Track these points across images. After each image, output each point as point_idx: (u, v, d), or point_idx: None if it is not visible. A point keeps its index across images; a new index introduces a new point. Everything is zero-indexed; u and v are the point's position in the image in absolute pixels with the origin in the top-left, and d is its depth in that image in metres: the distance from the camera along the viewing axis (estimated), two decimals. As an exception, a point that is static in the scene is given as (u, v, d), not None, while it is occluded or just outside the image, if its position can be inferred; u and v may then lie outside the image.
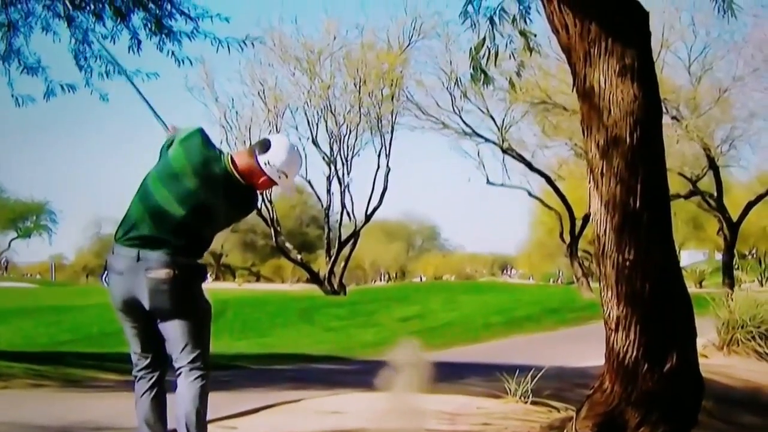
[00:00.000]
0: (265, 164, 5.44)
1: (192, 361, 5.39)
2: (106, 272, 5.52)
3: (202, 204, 5.41)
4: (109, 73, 14.05)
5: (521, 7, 9.54)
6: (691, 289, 7.99)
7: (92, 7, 13.62)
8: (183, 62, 13.88)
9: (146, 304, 5.34)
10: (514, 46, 9.84)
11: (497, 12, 9.49)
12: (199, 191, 5.38)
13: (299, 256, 53.01)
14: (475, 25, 9.61)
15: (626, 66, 6.91)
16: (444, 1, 50.07)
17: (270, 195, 45.60)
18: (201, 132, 5.51)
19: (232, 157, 5.53)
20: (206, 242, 5.65)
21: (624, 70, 6.90)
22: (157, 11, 13.67)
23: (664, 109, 27.67)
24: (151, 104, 5.91)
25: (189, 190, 5.37)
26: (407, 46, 44.54)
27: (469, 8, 9.84)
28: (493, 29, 9.31)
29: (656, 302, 6.88)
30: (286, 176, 5.56)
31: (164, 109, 5.89)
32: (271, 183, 5.60)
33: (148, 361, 5.56)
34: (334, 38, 44.84)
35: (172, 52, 13.66)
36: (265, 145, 5.48)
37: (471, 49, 9.45)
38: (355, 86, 45.17)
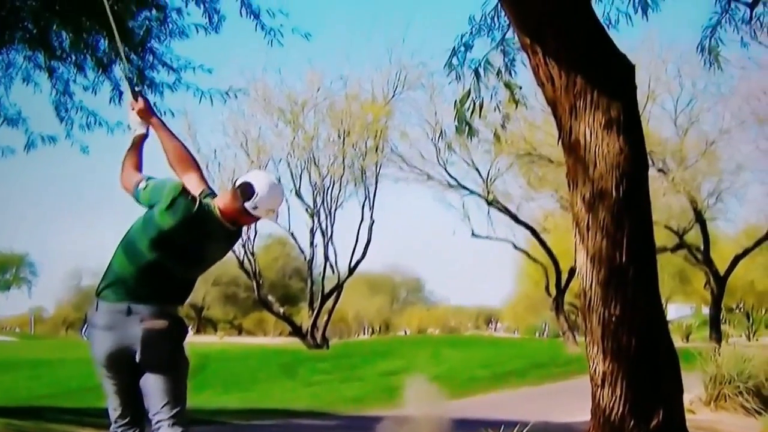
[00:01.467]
0: (254, 208, 5.49)
1: (173, 416, 5.37)
2: (86, 326, 5.51)
3: (192, 254, 5.50)
4: (90, 125, 14.09)
5: (506, 60, 9.62)
6: (678, 343, 8.01)
7: (73, 58, 13.65)
8: (165, 114, 13.85)
9: (138, 357, 5.31)
10: (499, 98, 9.91)
11: (482, 64, 9.57)
12: (190, 243, 5.44)
13: (282, 309, 52.78)
14: (460, 76, 9.68)
15: (612, 119, 6.95)
16: (429, 52, 50.25)
17: (252, 247, 45.53)
18: (183, 190, 5.52)
19: (214, 201, 5.58)
20: (192, 287, 5.74)
21: (610, 123, 6.94)
22: (139, 62, 13.70)
23: (650, 162, 27.81)
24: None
25: (180, 245, 5.42)
26: (392, 97, 44.69)
27: (454, 60, 9.93)
28: (478, 81, 9.38)
29: (642, 357, 6.88)
30: (273, 211, 5.63)
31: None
32: (256, 219, 5.68)
33: (128, 418, 5.53)
34: (318, 89, 44.95)
35: (154, 104, 13.30)
36: (248, 191, 5.50)
37: (456, 101, 9.51)
38: (339, 137, 45.23)
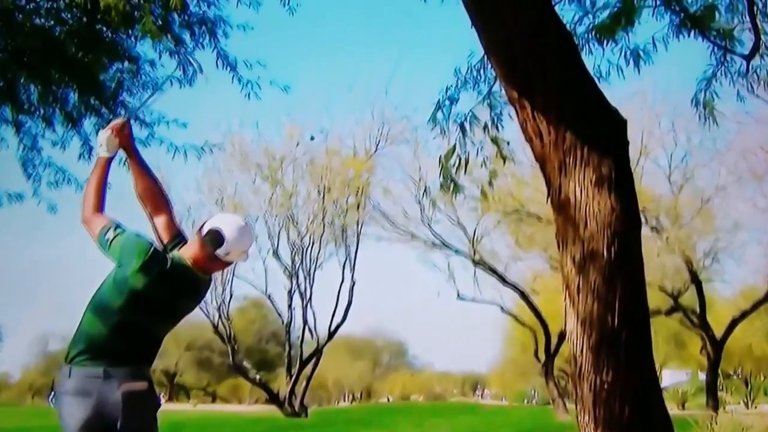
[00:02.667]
0: (226, 254, 5.52)
1: None
2: (54, 393, 5.47)
3: (167, 309, 5.58)
4: (59, 182, 14.06)
5: (493, 114, 9.68)
6: (673, 411, 7.99)
7: (42, 112, 13.65)
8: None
9: (120, 423, 5.29)
10: (485, 153, 9.96)
11: (468, 118, 9.63)
12: (164, 299, 5.51)
13: (258, 376, 52.47)
14: (445, 131, 9.74)
15: (603, 176, 6.98)
16: (412, 105, 50.67)
17: (227, 310, 45.32)
18: (154, 250, 5.51)
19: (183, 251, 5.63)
20: (160, 345, 5.75)
21: (601, 180, 6.97)
22: (111, 116, 13.70)
23: (643, 220, 27.88)
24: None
25: (154, 302, 5.47)
26: (374, 152, 44.77)
27: (439, 114, 9.98)
28: (463, 136, 9.44)
29: (636, 426, 6.85)
30: (245, 252, 5.64)
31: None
32: (229, 264, 5.78)
33: None
34: (297, 144, 45.03)
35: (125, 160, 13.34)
36: (218, 238, 5.53)
37: (441, 156, 9.55)
38: (319, 194, 45.26)
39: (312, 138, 43.68)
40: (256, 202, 45.85)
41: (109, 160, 5.94)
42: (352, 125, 47.31)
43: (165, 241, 5.85)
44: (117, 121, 6.04)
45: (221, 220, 5.67)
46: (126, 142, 5.96)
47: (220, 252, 5.51)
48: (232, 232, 5.55)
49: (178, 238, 5.84)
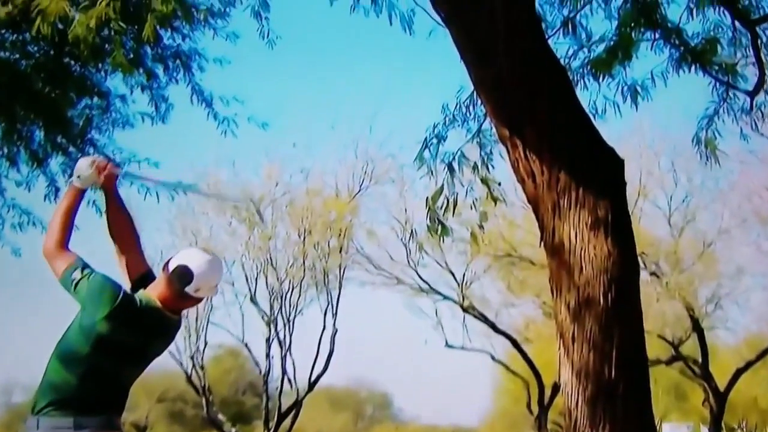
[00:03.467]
0: (196, 291, 5.50)
1: None
2: None
3: (136, 354, 5.55)
4: (23, 225, 14.02)
5: (483, 153, 9.71)
6: (675, 467, 7.95)
7: (5, 151, 13.62)
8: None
9: None
10: (475, 194, 9.97)
11: (456, 157, 9.65)
12: (134, 344, 5.48)
13: (234, 429, 52.12)
14: (432, 171, 9.75)
15: (599, 218, 6.99)
16: (398, 143, 50.43)
17: (201, 359, 45.07)
18: (122, 293, 5.49)
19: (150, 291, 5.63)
20: (128, 391, 5.71)
21: (597, 223, 6.98)
22: (79, 155, 13.65)
23: (641, 265, 27.84)
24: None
25: (124, 347, 5.44)
26: (357, 192, 44.66)
27: (426, 153, 10.01)
28: (452, 176, 9.45)
29: (636, 484, 6.83)
30: (216, 286, 5.68)
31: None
32: (200, 300, 5.81)
33: None
34: (276, 184, 44.87)
35: (94, 202, 12.95)
36: (186, 275, 5.50)
37: (428, 198, 9.55)
38: (299, 237, 45.09)
39: (294, 144, 43.57)
40: (232, 246, 45.62)
41: (83, 191, 5.90)
42: (335, 164, 47.22)
43: (133, 279, 5.82)
44: (103, 160, 5.97)
45: (187, 255, 5.65)
46: (108, 185, 5.91)
47: (189, 289, 5.48)
48: (200, 266, 5.52)
49: (146, 277, 5.82)
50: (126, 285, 5.72)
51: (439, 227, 9.58)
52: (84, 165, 5.84)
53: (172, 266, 5.53)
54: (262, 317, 46.68)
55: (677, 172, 38.89)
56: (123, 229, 5.88)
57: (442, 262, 41.61)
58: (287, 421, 48.88)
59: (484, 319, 42.35)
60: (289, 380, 48.19)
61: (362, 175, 44.60)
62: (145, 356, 5.64)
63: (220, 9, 11.71)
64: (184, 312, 5.88)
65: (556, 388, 38.64)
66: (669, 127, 42.06)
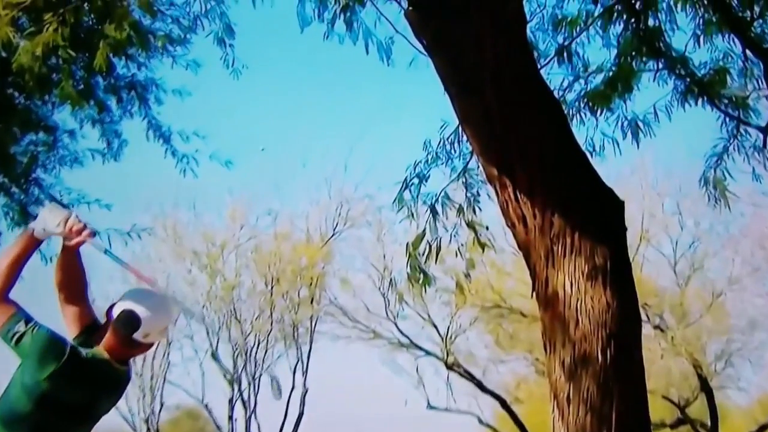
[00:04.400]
0: (145, 336, 5.48)
1: None
2: None
3: (84, 411, 5.54)
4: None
5: (469, 194, 9.74)
6: None
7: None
8: (51, 260, 13.69)
9: None
10: (460, 239, 9.98)
11: (439, 199, 9.67)
12: (81, 400, 5.47)
13: (192, 500, 51.85)
14: (413, 214, 9.75)
15: (597, 267, 7.00)
16: (376, 182, 50.37)
17: (156, 422, 44.71)
18: (69, 350, 5.47)
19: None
20: None
21: (594, 272, 6.99)
22: (22, 196, 13.63)
23: (644, 318, 27.82)
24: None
25: (69, 404, 5.44)
26: (331, 236, 44.60)
27: (406, 194, 10.03)
28: (434, 219, 9.47)
29: None
30: (167, 328, 5.65)
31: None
32: (151, 345, 5.72)
33: None
34: (240, 227, 44.89)
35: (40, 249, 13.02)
36: (132, 321, 5.48)
37: (408, 243, 9.56)
38: (266, 286, 44.99)
39: (263, 149, 43.45)
40: (192, 296, 45.44)
41: (40, 242, 5.88)
42: (306, 205, 47.10)
43: (77, 331, 5.79)
44: (77, 221, 5.83)
45: (132, 297, 5.61)
46: (74, 247, 5.84)
47: (137, 335, 5.45)
48: (147, 309, 5.49)
49: (92, 329, 5.79)
50: (70, 336, 5.69)
51: (421, 276, 9.58)
52: (53, 219, 5.71)
53: (116, 312, 5.50)
54: (225, 375, 46.48)
55: (683, 216, 38.76)
56: (74, 279, 5.86)
57: (424, 314, 41.49)
58: (253, 492, 48.64)
59: (470, 377, 42.23)
60: (255, 445, 48.05)
61: (336, 218, 44.60)
62: (92, 414, 5.62)
63: (179, 35, 11.74)
64: (137, 370, 5.89)
65: (550, 454, 38.49)
66: (674, 166, 42.06)
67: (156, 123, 12.91)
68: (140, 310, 5.48)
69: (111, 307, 5.59)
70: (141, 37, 10.14)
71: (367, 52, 9.49)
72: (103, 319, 5.70)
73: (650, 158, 36.62)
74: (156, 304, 5.58)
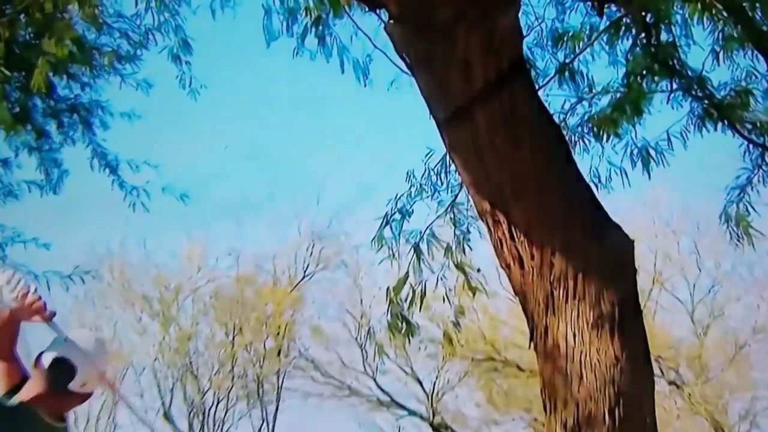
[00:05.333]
0: (82, 386, 5.46)
1: None
2: None
3: None
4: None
5: (457, 232, 9.74)
6: None
7: None
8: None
9: None
10: (448, 283, 9.98)
11: (424, 237, 9.67)
12: None
13: None
14: (394, 254, 9.75)
15: (603, 314, 7.01)
16: (351, 218, 50.46)
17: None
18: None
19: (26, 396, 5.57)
20: None
21: (600, 321, 6.99)
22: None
23: (658, 373, 27.77)
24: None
25: None
26: (301, 279, 44.66)
27: (386, 231, 10.02)
28: (419, 260, 9.47)
29: None
30: (105, 372, 5.70)
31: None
32: (90, 395, 5.71)
33: None
34: (198, 269, 44.85)
35: None
36: (67, 369, 5.46)
37: (389, 288, 9.55)
38: (227, 336, 44.93)
39: (225, 147, 43.46)
40: (142, 347, 45.37)
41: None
42: (273, 244, 47.23)
43: (7, 389, 5.79)
44: (30, 294, 5.79)
45: (62, 343, 5.59)
46: (18, 320, 5.83)
47: (73, 385, 5.45)
48: (81, 354, 5.49)
49: (20, 386, 5.78)
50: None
51: (404, 325, 9.58)
52: (3, 279, 5.73)
53: (46, 362, 5.48)
54: (179, 438, 46.35)
55: (701, 256, 38.86)
56: (4, 339, 5.86)
57: (406, 368, 41.56)
58: None
59: (459, 440, 42.24)
60: None
61: (307, 258, 44.67)
62: None
63: (129, 51, 11.76)
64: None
65: None
66: (690, 200, 42.06)
67: (101, 151, 12.91)
68: (74, 357, 5.47)
69: (39, 356, 5.58)
70: (85, 53, 10.16)
71: (343, 71, 9.52)
72: (31, 372, 5.68)
73: (663, 191, 36.65)
74: (90, 347, 5.57)
